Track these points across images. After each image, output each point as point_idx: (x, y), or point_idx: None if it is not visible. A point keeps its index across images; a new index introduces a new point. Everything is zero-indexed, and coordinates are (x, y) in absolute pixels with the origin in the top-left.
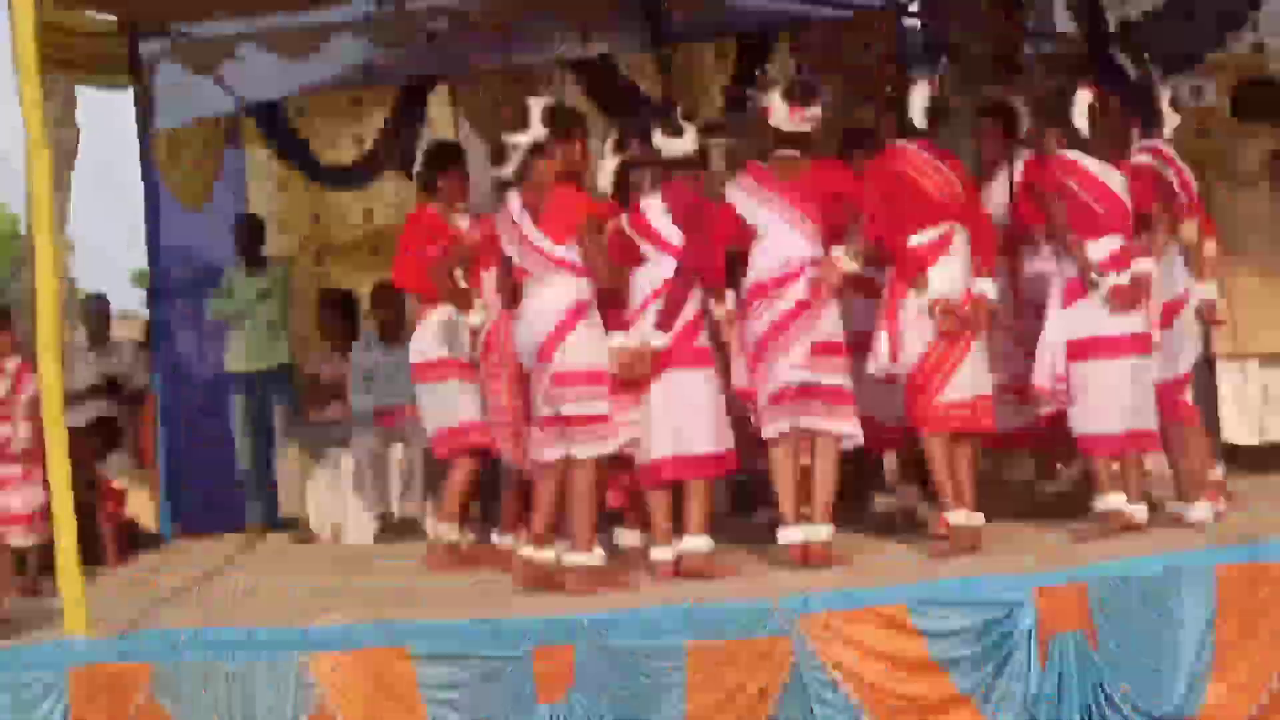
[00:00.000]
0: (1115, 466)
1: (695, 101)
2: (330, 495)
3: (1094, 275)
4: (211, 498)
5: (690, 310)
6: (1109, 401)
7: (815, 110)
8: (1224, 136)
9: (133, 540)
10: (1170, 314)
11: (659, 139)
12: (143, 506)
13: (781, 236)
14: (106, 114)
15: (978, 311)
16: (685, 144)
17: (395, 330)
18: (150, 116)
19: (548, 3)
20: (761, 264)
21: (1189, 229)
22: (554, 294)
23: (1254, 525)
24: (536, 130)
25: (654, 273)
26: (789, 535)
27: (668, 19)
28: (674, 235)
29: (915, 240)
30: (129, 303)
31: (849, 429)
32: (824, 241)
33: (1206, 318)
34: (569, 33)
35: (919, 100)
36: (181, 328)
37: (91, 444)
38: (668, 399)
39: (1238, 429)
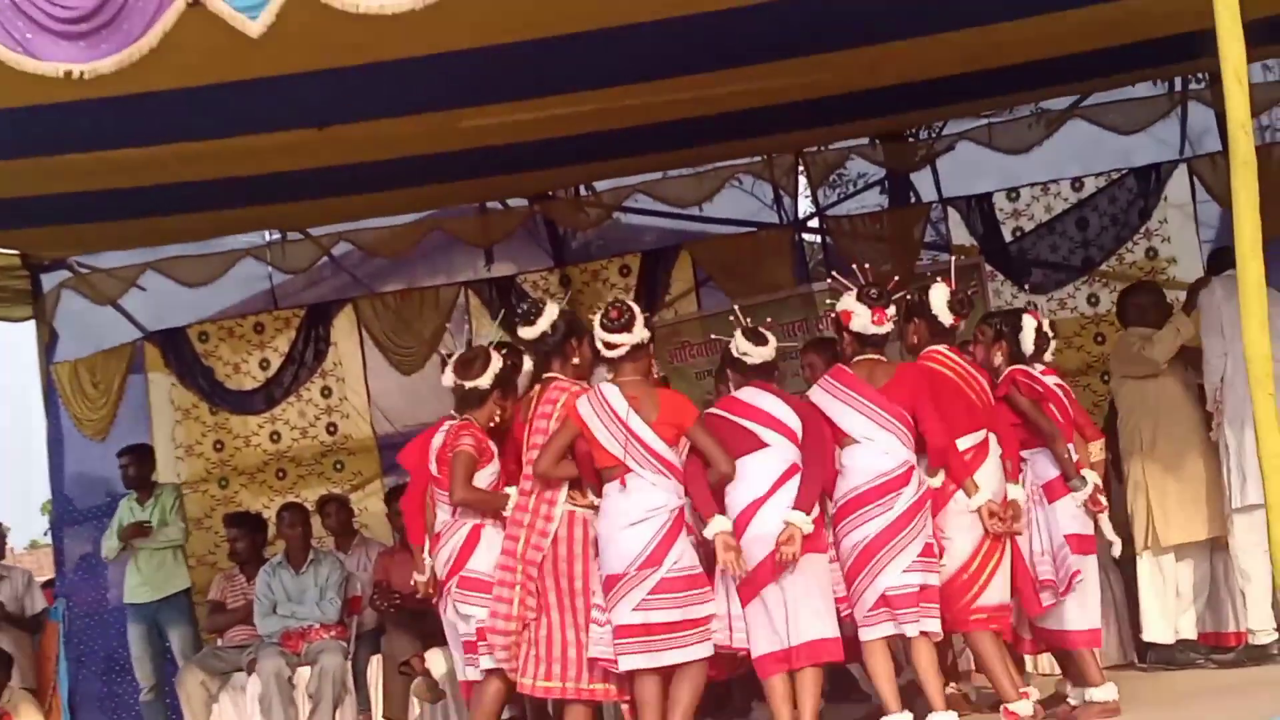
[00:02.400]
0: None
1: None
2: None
3: (1078, 478)
4: None
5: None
6: (1095, 595)
7: (893, 312)
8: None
9: None
10: None
11: (745, 346)
12: None
13: (882, 441)
14: (12, 344)
15: (1016, 515)
16: (767, 353)
17: (303, 552)
18: (52, 348)
19: (452, 228)
20: (862, 470)
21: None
22: (664, 495)
23: None
24: (641, 331)
25: (774, 457)
26: None
27: (569, 239)
28: (795, 422)
29: (962, 445)
30: (39, 532)
31: (937, 626)
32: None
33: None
34: (472, 254)
35: (939, 300)
36: (84, 556)
37: None
38: (804, 581)
39: (1158, 628)
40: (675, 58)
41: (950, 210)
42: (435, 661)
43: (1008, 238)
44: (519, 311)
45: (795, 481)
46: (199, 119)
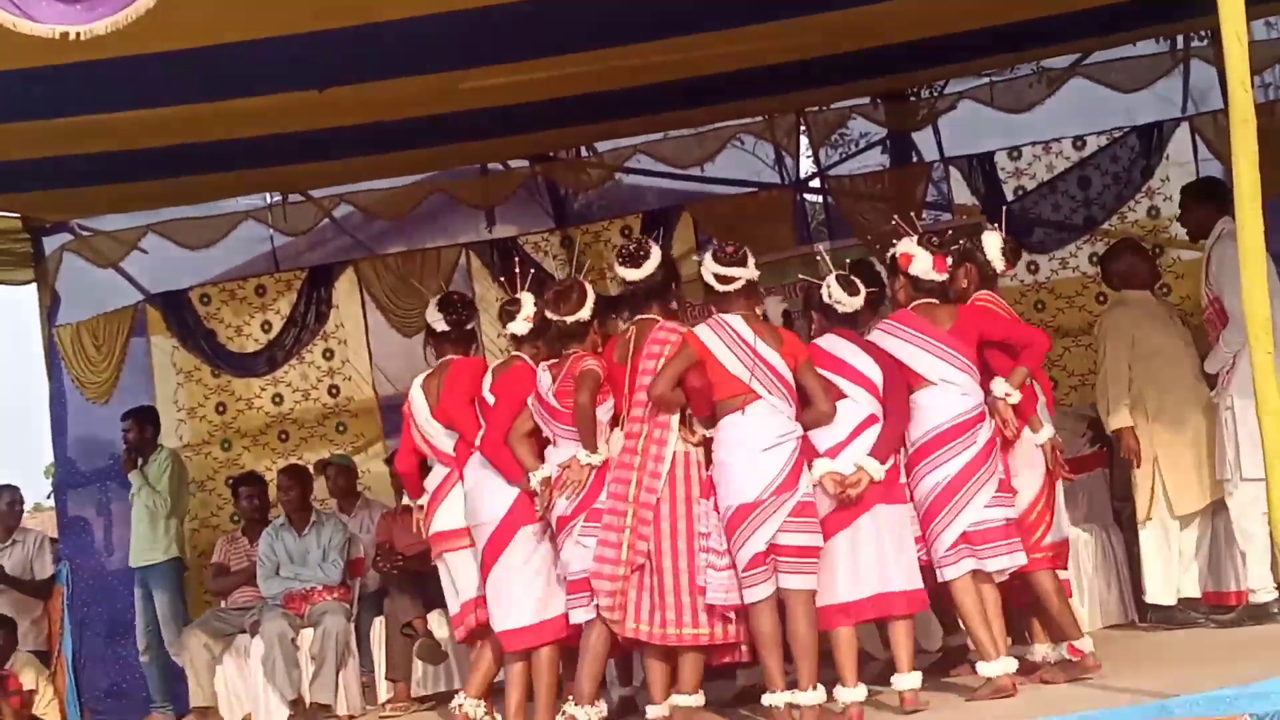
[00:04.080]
0: None
1: (601, 277)
2: (240, 682)
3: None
4: (119, 688)
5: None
6: None
7: (950, 260)
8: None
9: None
10: None
11: (839, 294)
12: (49, 705)
13: (959, 381)
14: (13, 308)
15: (1059, 454)
16: (857, 302)
17: (304, 514)
18: (54, 311)
19: (453, 190)
20: (940, 410)
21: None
22: (788, 422)
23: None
24: (753, 268)
25: (853, 407)
26: (991, 669)
27: (570, 201)
28: (875, 374)
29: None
30: (42, 495)
31: (1024, 559)
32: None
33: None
34: (474, 216)
35: (992, 246)
36: (87, 520)
37: None
38: (879, 532)
39: (1160, 590)
40: (675, 17)
41: (952, 169)
42: (438, 623)
43: (1009, 197)
44: (624, 253)
45: (873, 431)
46: (198, 81)
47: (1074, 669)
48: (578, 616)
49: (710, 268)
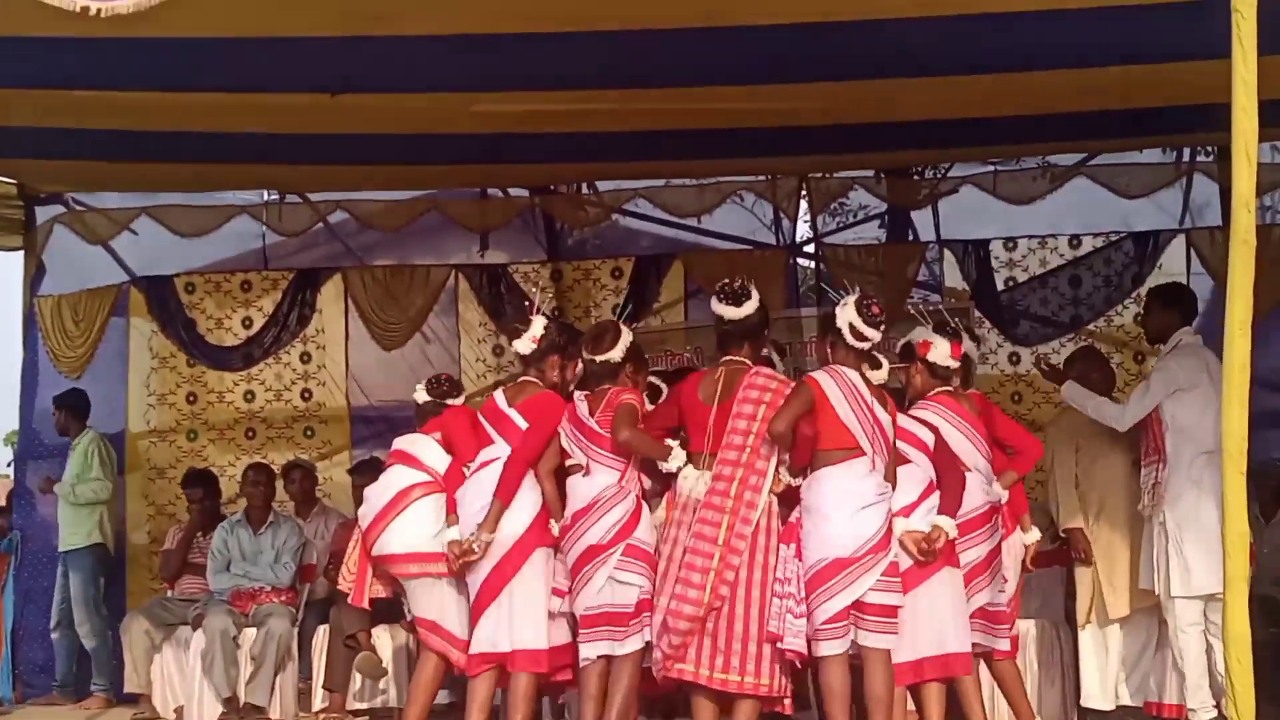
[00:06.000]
0: None
1: (586, 315)
2: (177, 674)
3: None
4: (54, 664)
5: None
6: None
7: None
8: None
9: None
10: None
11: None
12: None
13: (984, 470)
14: None
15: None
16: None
17: (264, 513)
18: (38, 281)
19: (450, 210)
20: (971, 496)
21: None
22: (884, 482)
23: None
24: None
25: (918, 471)
26: None
27: (565, 235)
28: (930, 441)
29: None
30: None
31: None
32: None
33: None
34: (467, 238)
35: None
36: (40, 493)
37: None
38: (947, 594)
39: (1097, 694)
40: (693, 68)
41: (947, 252)
42: (382, 639)
43: (1000, 286)
44: (724, 291)
45: (935, 495)
46: (211, 71)
47: None
48: (591, 651)
49: (849, 317)
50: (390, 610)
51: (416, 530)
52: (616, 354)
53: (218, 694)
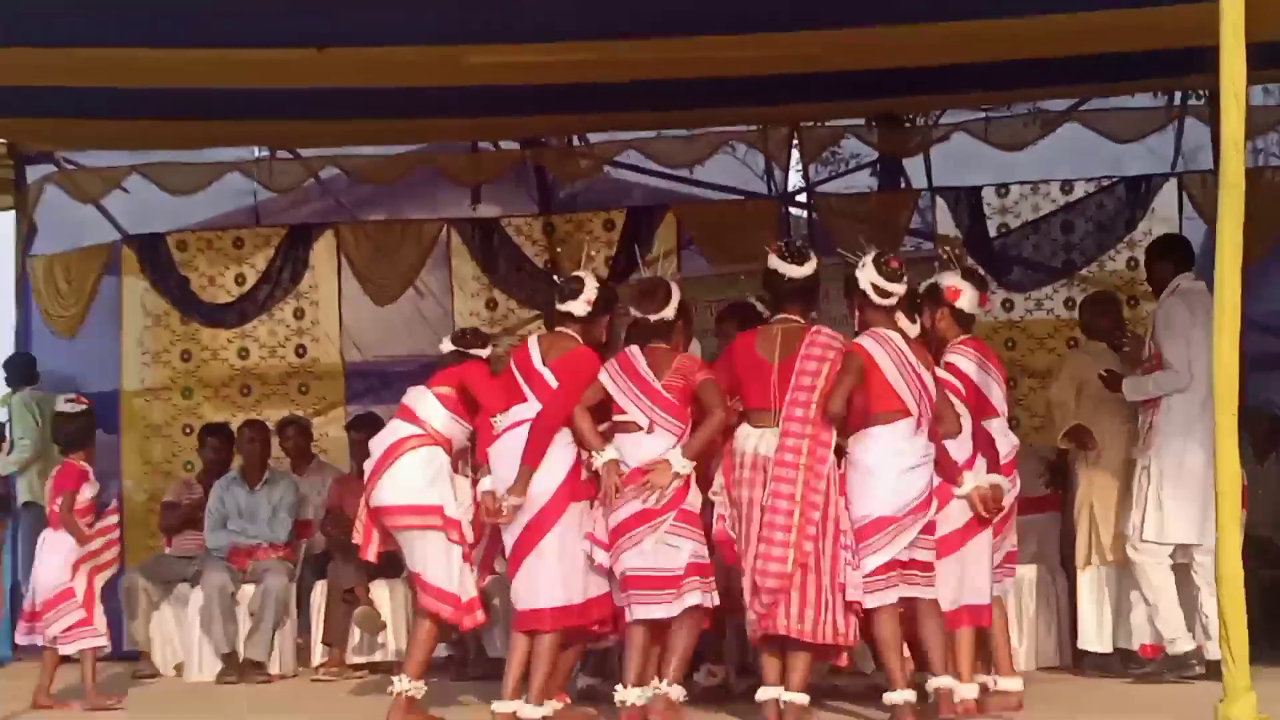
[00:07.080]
0: None
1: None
2: (176, 631)
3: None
4: None
5: None
6: None
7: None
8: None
9: None
10: None
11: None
12: None
13: (1004, 415)
14: None
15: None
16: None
17: (260, 470)
18: (30, 240)
19: (441, 164)
20: (1004, 443)
21: None
22: (929, 443)
23: None
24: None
25: (967, 423)
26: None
27: (557, 188)
28: (963, 389)
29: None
30: None
31: None
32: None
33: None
34: (459, 192)
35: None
36: None
37: None
38: (980, 549)
39: (1094, 637)
40: (685, 16)
41: (939, 199)
42: (381, 593)
43: (993, 233)
44: (786, 249)
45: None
46: (199, 26)
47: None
48: (643, 613)
49: (869, 277)
50: (390, 565)
51: (408, 483)
52: (669, 312)
53: (217, 650)
